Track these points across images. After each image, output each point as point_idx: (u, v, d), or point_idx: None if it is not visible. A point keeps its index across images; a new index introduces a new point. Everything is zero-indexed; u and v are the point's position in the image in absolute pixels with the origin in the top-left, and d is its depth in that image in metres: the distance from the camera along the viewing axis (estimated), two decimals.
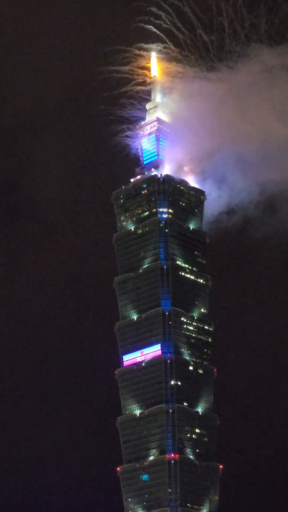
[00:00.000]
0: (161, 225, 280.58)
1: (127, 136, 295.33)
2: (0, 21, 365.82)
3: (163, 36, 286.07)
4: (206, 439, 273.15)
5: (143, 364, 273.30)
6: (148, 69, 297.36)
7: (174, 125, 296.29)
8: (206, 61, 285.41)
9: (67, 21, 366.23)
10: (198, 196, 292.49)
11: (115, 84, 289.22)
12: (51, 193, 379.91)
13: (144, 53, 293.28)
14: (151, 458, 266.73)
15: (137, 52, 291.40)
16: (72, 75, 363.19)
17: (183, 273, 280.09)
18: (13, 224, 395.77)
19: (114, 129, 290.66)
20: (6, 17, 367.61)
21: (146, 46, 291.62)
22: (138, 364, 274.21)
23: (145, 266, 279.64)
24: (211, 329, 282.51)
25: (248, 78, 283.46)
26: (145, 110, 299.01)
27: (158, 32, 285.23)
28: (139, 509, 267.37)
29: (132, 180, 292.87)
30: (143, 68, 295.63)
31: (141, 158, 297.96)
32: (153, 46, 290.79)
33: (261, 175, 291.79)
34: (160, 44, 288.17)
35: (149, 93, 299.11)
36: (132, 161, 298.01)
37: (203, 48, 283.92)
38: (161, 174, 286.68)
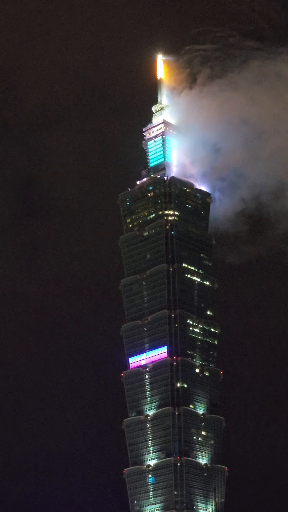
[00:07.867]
0: (167, 227, 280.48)
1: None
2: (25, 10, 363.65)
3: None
4: (212, 441, 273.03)
5: (149, 367, 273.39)
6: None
7: (180, 128, 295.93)
8: None
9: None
10: (204, 198, 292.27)
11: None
12: (63, 194, 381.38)
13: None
14: (157, 460, 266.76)
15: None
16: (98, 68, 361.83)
17: (189, 276, 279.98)
18: (27, 221, 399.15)
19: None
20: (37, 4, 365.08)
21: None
22: (144, 366, 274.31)
23: (151, 268, 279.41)
24: (217, 331, 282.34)
25: None
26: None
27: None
28: (145, 511, 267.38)
29: (138, 182, 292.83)
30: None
31: (147, 161, 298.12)
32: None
33: (271, 178, 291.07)
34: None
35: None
36: (139, 164, 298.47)
37: None
38: (167, 177, 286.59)
